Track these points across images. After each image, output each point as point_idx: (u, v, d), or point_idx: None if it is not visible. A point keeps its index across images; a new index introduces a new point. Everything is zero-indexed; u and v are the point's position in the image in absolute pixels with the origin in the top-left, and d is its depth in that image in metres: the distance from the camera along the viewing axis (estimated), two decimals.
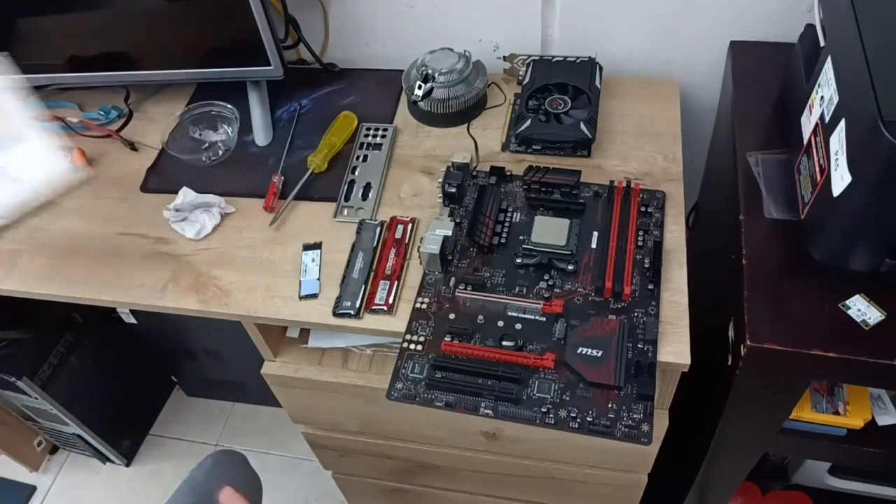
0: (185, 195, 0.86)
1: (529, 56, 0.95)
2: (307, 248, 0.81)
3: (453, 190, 0.80)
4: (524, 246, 0.76)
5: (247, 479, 0.96)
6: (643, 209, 0.78)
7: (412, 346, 0.70)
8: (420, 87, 0.90)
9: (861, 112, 0.55)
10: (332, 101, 0.99)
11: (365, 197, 0.85)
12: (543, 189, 0.80)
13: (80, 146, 0.95)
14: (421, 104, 0.91)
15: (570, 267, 0.74)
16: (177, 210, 0.84)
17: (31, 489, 1.56)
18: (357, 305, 0.74)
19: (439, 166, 0.87)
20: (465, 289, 0.74)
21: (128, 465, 1.57)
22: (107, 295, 0.80)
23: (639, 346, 0.67)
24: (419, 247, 0.75)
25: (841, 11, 0.63)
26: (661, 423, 0.78)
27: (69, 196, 0.91)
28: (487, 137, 0.90)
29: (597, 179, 0.82)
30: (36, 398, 1.29)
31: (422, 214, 0.83)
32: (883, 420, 0.74)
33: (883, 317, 0.62)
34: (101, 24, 0.93)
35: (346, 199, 0.85)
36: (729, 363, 0.68)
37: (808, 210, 0.66)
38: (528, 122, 0.85)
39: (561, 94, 0.88)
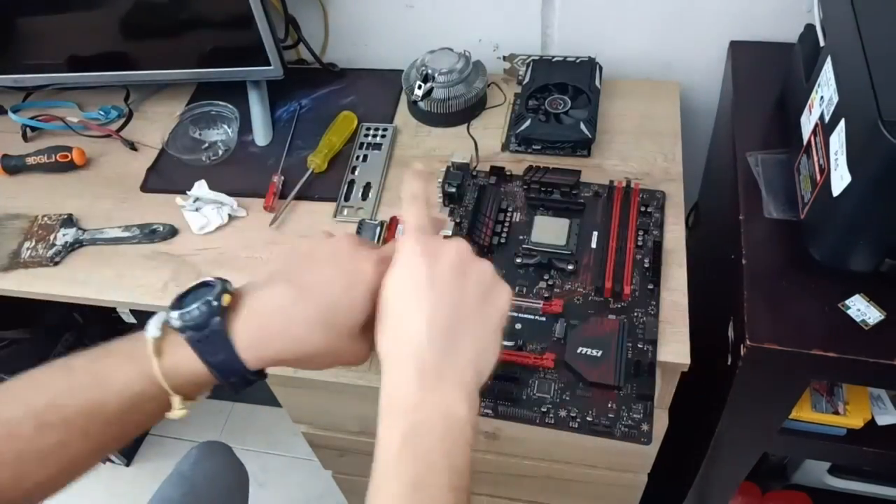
0: (200, 187, 0.86)
1: (529, 56, 0.94)
2: None
3: (453, 190, 0.80)
4: (524, 246, 0.76)
5: (233, 469, 0.96)
6: (643, 209, 0.78)
7: None
8: (420, 87, 0.90)
9: (861, 112, 0.55)
10: (332, 101, 0.99)
11: (365, 197, 0.85)
12: (543, 189, 0.80)
13: (80, 146, 0.95)
14: (421, 104, 0.91)
15: (570, 267, 0.73)
16: (196, 199, 0.84)
17: None
18: None
19: (439, 166, 0.87)
20: None
21: (128, 464, 1.57)
22: (107, 295, 0.80)
23: (639, 345, 0.67)
24: None
25: (841, 11, 0.63)
26: (661, 423, 0.78)
27: (69, 196, 0.91)
28: (487, 137, 0.90)
29: (596, 179, 0.82)
30: None
31: None
32: (883, 420, 0.74)
33: (882, 317, 0.62)
34: (100, 24, 0.93)
35: (346, 199, 0.85)
36: (729, 363, 0.68)
37: (808, 210, 0.66)
38: (528, 122, 0.85)
39: (561, 94, 0.88)
